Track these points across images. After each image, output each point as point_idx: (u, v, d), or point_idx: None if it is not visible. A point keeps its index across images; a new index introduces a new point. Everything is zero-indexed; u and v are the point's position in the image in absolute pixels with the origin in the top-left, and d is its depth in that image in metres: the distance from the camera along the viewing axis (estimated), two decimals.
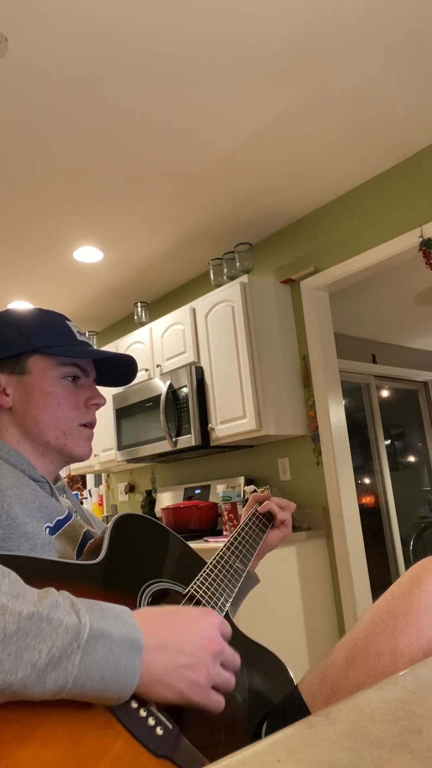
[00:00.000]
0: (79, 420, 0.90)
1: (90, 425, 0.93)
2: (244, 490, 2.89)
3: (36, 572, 0.60)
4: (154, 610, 0.63)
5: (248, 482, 3.14)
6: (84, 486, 4.67)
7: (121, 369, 1.00)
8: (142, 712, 0.57)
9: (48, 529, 0.78)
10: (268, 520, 1.06)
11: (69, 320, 0.94)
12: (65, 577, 0.63)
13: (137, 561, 0.76)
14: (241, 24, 1.80)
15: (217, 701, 0.60)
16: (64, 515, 0.84)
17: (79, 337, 0.93)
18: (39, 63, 1.87)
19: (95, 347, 0.97)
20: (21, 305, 3.88)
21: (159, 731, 0.56)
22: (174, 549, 0.84)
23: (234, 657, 0.64)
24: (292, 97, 2.15)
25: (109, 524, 0.79)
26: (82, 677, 0.51)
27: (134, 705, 0.57)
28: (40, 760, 0.48)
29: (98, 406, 0.93)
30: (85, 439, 0.91)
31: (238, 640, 0.75)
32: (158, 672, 0.57)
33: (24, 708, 0.51)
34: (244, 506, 1.19)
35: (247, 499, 1.15)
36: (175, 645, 0.58)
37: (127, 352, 2.71)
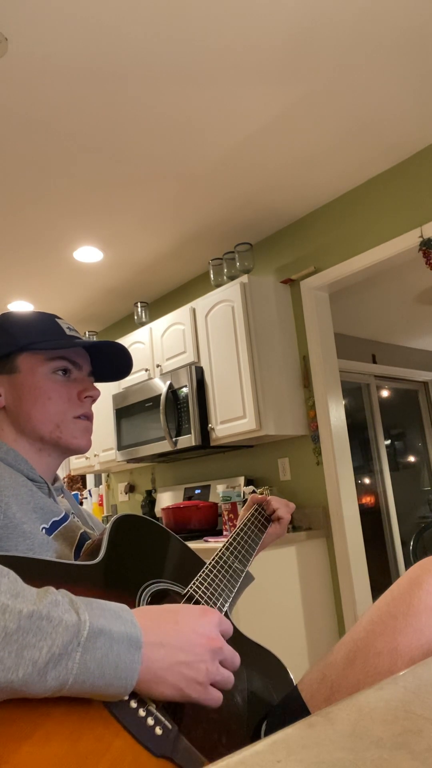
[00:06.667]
0: (73, 413, 0.89)
1: (86, 417, 0.91)
2: (243, 491, 2.89)
3: (35, 573, 0.60)
4: (153, 608, 0.63)
5: (248, 482, 3.14)
6: (84, 486, 4.67)
7: (116, 360, 0.99)
8: (142, 712, 0.56)
9: (44, 530, 0.78)
10: (267, 520, 1.06)
11: (59, 318, 0.94)
12: (65, 577, 0.63)
13: (136, 561, 0.76)
14: (242, 22, 1.80)
15: (215, 698, 0.60)
16: (60, 516, 0.84)
17: (68, 332, 0.92)
18: (39, 63, 1.87)
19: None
20: (21, 305, 3.88)
21: (158, 731, 0.56)
22: (173, 549, 0.84)
23: (233, 655, 0.64)
24: (292, 96, 2.15)
25: (108, 525, 0.79)
26: (83, 674, 0.52)
27: (133, 705, 0.57)
28: (40, 761, 0.48)
29: (92, 398, 0.92)
30: (82, 430, 0.90)
31: (237, 640, 0.75)
32: (157, 669, 0.57)
33: (23, 709, 0.51)
34: (243, 506, 1.19)
35: (246, 499, 1.15)
36: (174, 642, 0.58)
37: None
